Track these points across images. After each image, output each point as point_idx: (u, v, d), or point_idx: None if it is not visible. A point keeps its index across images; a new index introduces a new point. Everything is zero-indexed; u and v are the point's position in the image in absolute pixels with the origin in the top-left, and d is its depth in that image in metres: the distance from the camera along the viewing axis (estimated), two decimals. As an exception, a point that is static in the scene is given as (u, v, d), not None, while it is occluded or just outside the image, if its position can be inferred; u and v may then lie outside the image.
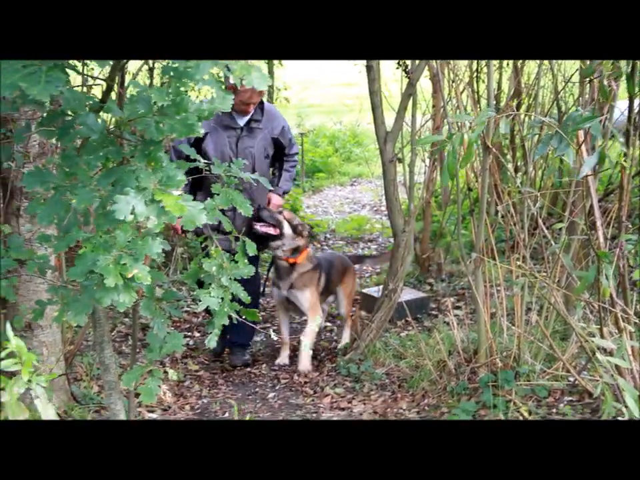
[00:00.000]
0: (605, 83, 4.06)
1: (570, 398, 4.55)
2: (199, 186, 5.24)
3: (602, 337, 3.94)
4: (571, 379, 4.50)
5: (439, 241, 7.26)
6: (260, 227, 5.53)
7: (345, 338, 6.28)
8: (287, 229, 5.64)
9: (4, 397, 2.71)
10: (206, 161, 3.81)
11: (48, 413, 2.80)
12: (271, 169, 6.20)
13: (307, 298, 5.77)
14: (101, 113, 2.95)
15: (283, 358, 6.06)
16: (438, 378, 4.85)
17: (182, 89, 2.72)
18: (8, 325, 2.64)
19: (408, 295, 6.34)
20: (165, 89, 2.70)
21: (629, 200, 4.47)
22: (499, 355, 4.75)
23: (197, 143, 5.14)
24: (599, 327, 4.03)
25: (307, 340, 5.73)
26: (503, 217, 4.83)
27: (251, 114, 5.44)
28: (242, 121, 5.43)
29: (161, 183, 2.80)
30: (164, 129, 2.71)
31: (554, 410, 4.46)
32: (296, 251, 5.75)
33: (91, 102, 2.89)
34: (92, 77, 3.51)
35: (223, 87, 2.78)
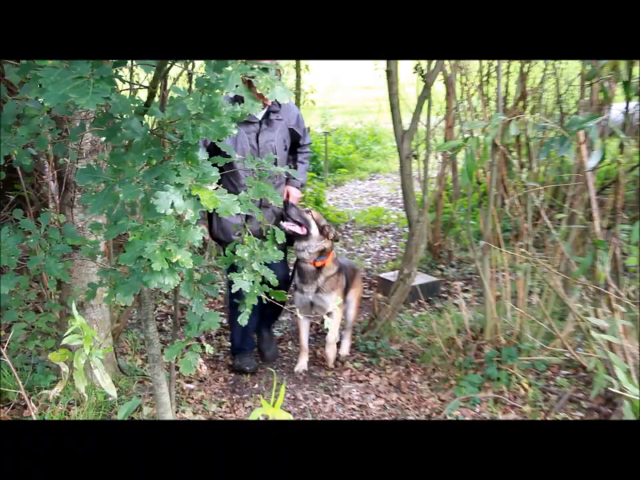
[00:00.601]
0: (606, 85, 4.09)
1: (566, 372, 4.65)
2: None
3: (596, 316, 3.98)
4: (568, 354, 4.52)
5: (450, 230, 7.25)
6: (287, 226, 4.91)
7: (345, 347, 5.61)
8: (315, 230, 5.00)
9: (64, 368, 2.77)
10: (227, 158, 3.61)
11: (105, 382, 2.87)
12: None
13: (333, 300, 4.63)
14: (144, 116, 3.01)
15: (302, 365, 5.39)
16: (447, 354, 4.87)
17: (214, 98, 2.79)
18: (74, 305, 2.70)
19: (421, 279, 6.34)
20: (199, 95, 2.72)
21: (624, 193, 4.50)
22: (503, 333, 4.80)
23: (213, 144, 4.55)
24: (593, 307, 4.08)
25: (333, 336, 5.24)
26: (509, 208, 4.81)
27: (268, 106, 4.93)
28: (260, 114, 4.84)
29: (197, 179, 2.85)
30: (199, 132, 2.73)
31: (552, 382, 4.48)
32: (322, 253, 5.10)
33: (136, 105, 2.93)
34: (137, 84, 3.57)
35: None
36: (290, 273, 5.52)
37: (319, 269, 5.08)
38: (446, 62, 5.77)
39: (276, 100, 4.40)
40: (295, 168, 5.14)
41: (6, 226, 3.57)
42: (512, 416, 4.35)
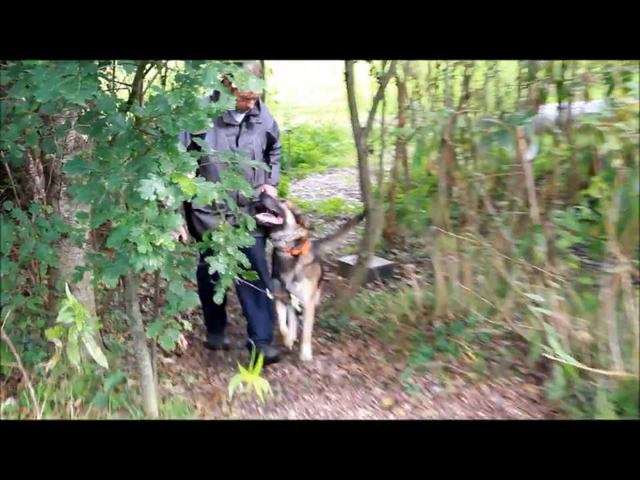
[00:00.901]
0: (542, 86, 4.24)
1: (507, 342, 4.74)
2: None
3: (533, 292, 4.05)
4: (508, 327, 4.57)
5: (402, 218, 7.31)
6: (262, 217, 4.62)
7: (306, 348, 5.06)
8: (290, 219, 4.69)
9: (58, 343, 2.82)
10: (204, 153, 3.65)
11: (97, 353, 2.94)
12: None
13: (307, 290, 4.80)
14: (127, 112, 3.10)
15: (289, 345, 5.07)
16: (401, 328, 4.98)
17: (193, 93, 2.85)
18: (66, 287, 2.77)
19: (377, 262, 6.39)
20: (179, 93, 2.77)
21: (557, 183, 4.66)
22: (451, 310, 4.93)
23: (193, 144, 4.04)
24: (531, 285, 4.15)
25: (308, 331, 4.90)
26: (456, 197, 4.91)
27: (248, 110, 4.54)
28: (239, 118, 4.54)
29: (177, 168, 2.93)
30: (179, 125, 2.81)
31: (494, 352, 4.60)
32: (298, 242, 4.79)
33: (119, 103, 2.97)
34: (120, 82, 3.63)
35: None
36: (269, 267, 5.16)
37: (296, 257, 4.79)
38: (398, 66, 5.79)
39: (256, 104, 4.44)
40: (271, 168, 4.90)
41: None
42: (459, 382, 4.38)
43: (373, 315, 5.50)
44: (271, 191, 4.86)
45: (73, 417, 3.90)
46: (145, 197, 2.77)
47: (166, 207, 3.12)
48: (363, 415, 4.13)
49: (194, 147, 3.88)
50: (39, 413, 3.45)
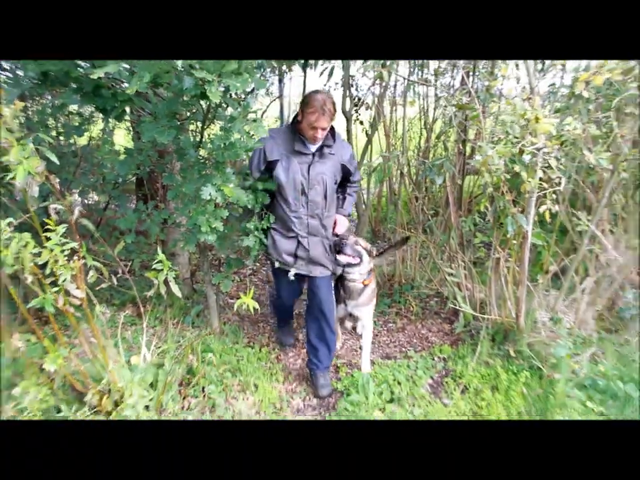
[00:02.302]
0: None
1: (436, 298, 4.90)
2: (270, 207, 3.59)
3: (451, 268, 4.31)
4: (436, 289, 4.83)
5: (384, 222, 7.23)
6: (343, 259, 3.74)
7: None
8: (366, 257, 3.83)
9: (155, 281, 2.82)
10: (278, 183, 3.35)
11: (176, 289, 2.90)
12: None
13: (370, 312, 3.99)
14: (198, 148, 3.28)
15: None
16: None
17: (231, 136, 2.98)
18: (159, 249, 3.12)
19: None
20: (224, 137, 2.97)
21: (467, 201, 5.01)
22: (404, 277, 5.10)
23: (269, 169, 3.42)
24: (450, 263, 4.38)
25: (368, 347, 4.01)
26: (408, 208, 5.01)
27: (322, 140, 3.41)
28: (313, 148, 3.45)
29: (223, 181, 3.11)
30: (225, 156, 3.04)
31: (427, 304, 4.79)
32: (369, 272, 3.91)
33: (193, 143, 3.22)
34: (192, 131, 3.87)
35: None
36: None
37: (365, 285, 3.89)
38: (381, 122, 5.57)
39: (330, 135, 3.33)
40: (344, 200, 3.88)
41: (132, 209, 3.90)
42: (404, 321, 4.61)
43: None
44: (342, 221, 3.81)
45: (170, 329, 4.10)
46: (204, 197, 3.05)
47: (219, 205, 3.25)
48: (341, 339, 4.38)
49: (267, 170, 3.38)
50: (148, 328, 3.72)
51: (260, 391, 3.56)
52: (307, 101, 3.22)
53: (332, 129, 3.38)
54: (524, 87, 2.94)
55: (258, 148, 3.29)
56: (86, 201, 5.18)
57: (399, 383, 3.64)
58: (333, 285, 3.85)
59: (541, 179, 2.94)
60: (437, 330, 4.46)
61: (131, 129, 5.48)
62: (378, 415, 3.36)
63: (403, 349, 4.27)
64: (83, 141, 5.13)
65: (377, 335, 4.44)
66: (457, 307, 4.11)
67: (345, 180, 3.76)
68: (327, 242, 3.65)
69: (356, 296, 3.90)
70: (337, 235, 3.74)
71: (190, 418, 3.09)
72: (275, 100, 7.43)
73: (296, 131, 3.33)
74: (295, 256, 3.54)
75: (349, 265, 3.79)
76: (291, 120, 3.41)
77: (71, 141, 4.63)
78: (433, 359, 4.02)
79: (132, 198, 6.04)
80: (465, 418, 3.22)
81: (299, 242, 3.49)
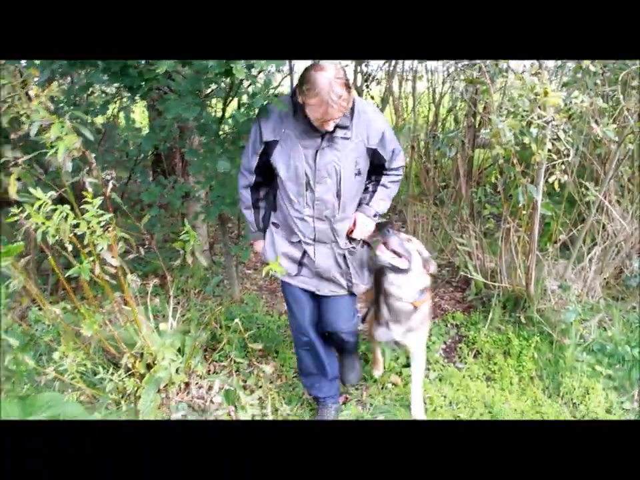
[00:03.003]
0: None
1: (448, 268, 4.96)
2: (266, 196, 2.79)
3: (462, 238, 4.38)
4: (448, 258, 4.87)
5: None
6: (386, 256, 2.70)
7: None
8: (417, 263, 2.78)
9: (181, 251, 2.91)
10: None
11: (202, 259, 3.15)
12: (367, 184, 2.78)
13: (423, 340, 3.03)
14: (220, 124, 3.33)
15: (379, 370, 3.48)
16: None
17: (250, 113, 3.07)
18: (186, 221, 2.95)
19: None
20: (244, 114, 3.12)
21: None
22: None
23: (267, 150, 2.57)
24: (461, 234, 4.45)
25: (419, 385, 3.11)
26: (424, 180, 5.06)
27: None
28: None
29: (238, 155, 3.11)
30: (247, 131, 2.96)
31: (440, 273, 4.81)
32: (422, 291, 2.85)
33: (214, 117, 3.28)
34: (212, 107, 4.02)
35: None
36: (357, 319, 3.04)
37: (416, 307, 2.84)
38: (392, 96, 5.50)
39: (351, 113, 2.41)
40: (374, 192, 2.75)
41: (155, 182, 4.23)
42: None
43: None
44: (363, 222, 2.70)
45: (192, 298, 4.28)
46: (221, 170, 3.13)
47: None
48: (358, 306, 4.49)
49: (265, 152, 2.58)
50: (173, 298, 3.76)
51: (280, 357, 3.69)
52: (306, 83, 2.27)
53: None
54: (532, 62, 3.02)
55: (254, 124, 2.61)
56: (108, 177, 5.26)
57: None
58: (354, 307, 2.95)
59: (549, 151, 3.03)
60: (449, 298, 4.57)
61: (146, 106, 5.57)
62: (395, 380, 3.50)
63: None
64: (99, 119, 5.23)
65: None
66: (469, 276, 4.17)
67: (380, 167, 2.70)
68: (341, 252, 2.72)
69: (403, 319, 2.87)
70: (352, 240, 2.75)
71: (217, 381, 3.24)
72: (286, 77, 7.42)
73: (298, 107, 2.42)
74: (300, 264, 2.76)
75: (393, 268, 2.74)
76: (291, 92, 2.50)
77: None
78: (446, 326, 4.15)
79: (149, 174, 6.17)
80: (468, 418, 3.08)
81: (304, 250, 2.70)
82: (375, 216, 2.75)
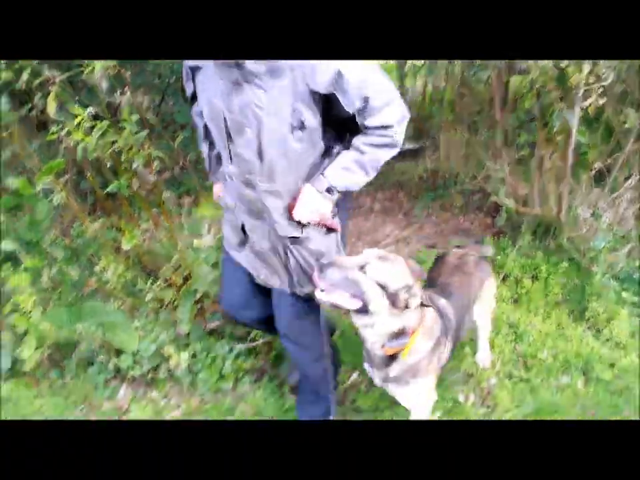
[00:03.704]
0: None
1: (479, 194, 4.86)
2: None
3: (494, 164, 4.26)
4: (479, 184, 4.70)
5: (429, 119, 7.01)
6: (324, 296, 1.85)
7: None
8: (378, 303, 1.84)
9: None
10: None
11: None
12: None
13: (413, 398, 2.21)
14: None
15: None
16: (418, 181, 5.28)
17: None
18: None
19: (409, 144, 5.72)
20: None
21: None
22: (447, 173, 5.10)
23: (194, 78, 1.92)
24: (494, 160, 4.33)
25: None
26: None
27: None
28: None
29: None
30: None
31: (470, 198, 4.84)
32: (400, 334, 1.94)
33: None
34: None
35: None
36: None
37: (393, 356, 2.04)
38: None
39: None
40: (338, 156, 1.88)
41: None
42: (448, 214, 4.70)
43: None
44: (307, 199, 1.86)
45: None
46: None
47: None
48: (389, 229, 4.57)
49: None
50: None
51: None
52: None
53: None
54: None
55: None
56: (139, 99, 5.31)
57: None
58: (309, 314, 2.18)
59: (589, 73, 2.94)
60: (479, 223, 4.58)
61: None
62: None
63: (447, 240, 4.43)
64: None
65: (420, 227, 4.62)
66: (500, 202, 4.16)
67: (349, 123, 1.81)
68: (278, 238, 1.98)
69: (379, 366, 2.11)
70: (298, 223, 1.94)
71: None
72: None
73: None
74: (245, 234, 2.10)
75: (337, 307, 1.89)
76: None
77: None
78: (475, 250, 4.14)
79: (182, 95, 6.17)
80: (476, 418, 2.73)
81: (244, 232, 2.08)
82: (328, 191, 1.83)
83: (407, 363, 2.06)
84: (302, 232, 1.96)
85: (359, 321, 1.94)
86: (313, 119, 1.76)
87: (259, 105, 1.71)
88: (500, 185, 4.25)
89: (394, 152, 1.85)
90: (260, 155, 1.79)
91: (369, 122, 1.77)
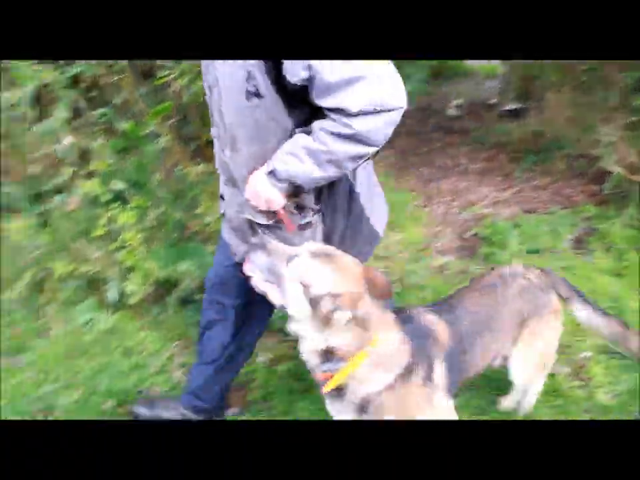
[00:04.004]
0: None
1: (583, 159, 4.59)
2: None
3: (604, 129, 4.05)
4: (585, 150, 4.50)
5: (535, 78, 6.86)
6: (253, 283, 1.57)
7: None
8: (296, 306, 1.48)
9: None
10: None
11: None
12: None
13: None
14: None
15: None
16: (517, 141, 5.07)
17: None
18: None
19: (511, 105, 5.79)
20: None
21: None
22: (551, 135, 4.88)
23: None
24: (606, 124, 4.14)
25: None
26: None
27: None
28: None
29: None
30: None
31: (574, 163, 4.60)
32: (329, 355, 1.49)
33: None
34: None
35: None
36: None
37: (339, 389, 1.59)
38: None
39: None
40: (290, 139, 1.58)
41: None
42: (547, 180, 4.49)
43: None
44: (253, 186, 1.66)
45: None
46: None
47: None
48: (486, 190, 4.49)
49: None
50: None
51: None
52: None
53: None
54: None
55: None
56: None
57: (540, 237, 3.67)
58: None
59: None
60: (582, 190, 4.36)
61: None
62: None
63: (547, 206, 4.26)
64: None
65: (519, 191, 4.46)
66: (607, 168, 3.96)
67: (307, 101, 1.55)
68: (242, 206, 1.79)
69: (334, 401, 1.70)
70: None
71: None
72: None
73: None
74: (223, 213, 2.00)
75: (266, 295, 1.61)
76: None
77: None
78: (577, 217, 4.00)
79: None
80: (483, 418, 2.53)
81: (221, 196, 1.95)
82: (271, 175, 1.60)
83: (357, 395, 1.60)
84: (266, 219, 1.73)
85: (293, 324, 1.57)
86: (269, 87, 1.54)
87: (221, 73, 1.57)
88: (609, 150, 4.04)
89: (363, 149, 1.48)
90: (221, 117, 1.65)
91: (322, 102, 1.47)
